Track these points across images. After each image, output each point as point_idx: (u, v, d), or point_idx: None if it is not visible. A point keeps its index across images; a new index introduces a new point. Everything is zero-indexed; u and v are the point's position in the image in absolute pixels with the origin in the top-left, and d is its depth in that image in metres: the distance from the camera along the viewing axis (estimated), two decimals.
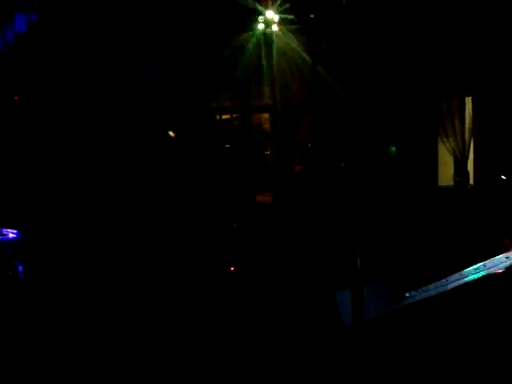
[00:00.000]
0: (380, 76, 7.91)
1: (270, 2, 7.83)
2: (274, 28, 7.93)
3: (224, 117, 10.03)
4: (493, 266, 2.94)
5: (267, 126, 10.84)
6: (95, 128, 9.53)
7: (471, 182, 8.84)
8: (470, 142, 8.96)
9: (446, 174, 8.94)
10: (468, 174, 8.89)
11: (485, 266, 2.97)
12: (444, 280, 3.07)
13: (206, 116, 9.92)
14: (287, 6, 7.78)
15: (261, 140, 10.89)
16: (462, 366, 2.86)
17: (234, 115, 10.02)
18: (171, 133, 9.96)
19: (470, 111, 8.93)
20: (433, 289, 3.11)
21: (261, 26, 7.95)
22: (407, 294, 3.15)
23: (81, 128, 9.63)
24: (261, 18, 7.92)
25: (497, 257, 2.95)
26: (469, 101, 9.02)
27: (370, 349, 2.55)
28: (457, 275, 3.00)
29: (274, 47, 8.31)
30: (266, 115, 10.68)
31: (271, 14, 7.98)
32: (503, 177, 4.54)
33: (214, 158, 10.09)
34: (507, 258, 2.91)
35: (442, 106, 8.99)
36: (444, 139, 8.93)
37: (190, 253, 7.27)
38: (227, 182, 9.93)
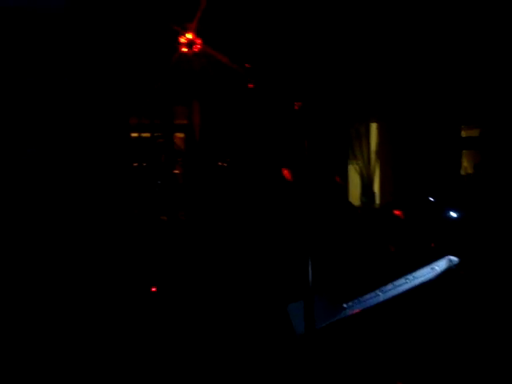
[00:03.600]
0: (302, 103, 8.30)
1: (194, 24, 7.97)
2: (196, 48, 8.06)
3: (144, 135, 9.94)
4: (420, 277, 3.25)
5: (182, 144, 10.89)
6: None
7: (377, 202, 9.50)
8: (375, 165, 9.64)
9: (355, 194, 9.53)
10: (374, 194, 9.55)
11: (413, 276, 3.27)
12: (378, 290, 3.33)
13: (119, 133, 9.76)
14: (212, 27, 7.97)
15: (174, 158, 10.90)
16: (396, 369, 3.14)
17: (154, 134, 9.97)
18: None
19: (376, 136, 9.65)
20: (368, 299, 3.35)
21: (183, 47, 8.03)
22: (345, 305, 3.37)
23: None
24: (182, 39, 8.02)
25: (423, 268, 3.26)
26: (374, 126, 9.75)
27: (320, 354, 2.71)
28: (389, 286, 3.27)
29: (194, 67, 8.45)
30: (182, 135, 10.72)
31: (192, 36, 8.10)
32: (431, 198, 5.01)
33: (119, 176, 9.93)
34: (432, 268, 3.23)
35: (351, 130, 9.63)
36: (353, 162, 9.55)
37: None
38: (132, 201, 9.79)
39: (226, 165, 10.68)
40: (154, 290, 7.05)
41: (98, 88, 9.13)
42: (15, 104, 9.07)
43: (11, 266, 6.70)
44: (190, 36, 8.10)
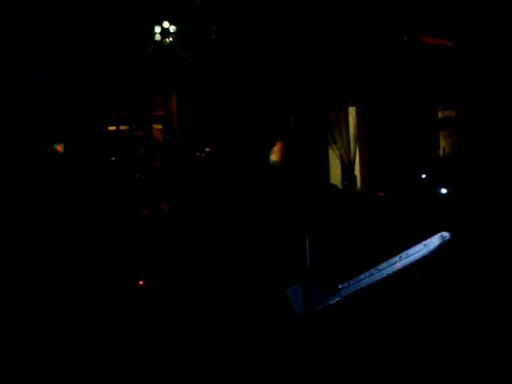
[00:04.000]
0: (275, 88, 8.30)
1: (169, 13, 7.88)
2: (171, 38, 7.98)
3: (122, 127, 9.80)
4: (413, 254, 3.28)
5: (160, 136, 10.79)
6: None
7: (358, 185, 9.58)
8: (355, 149, 9.71)
9: (336, 178, 9.59)
10: (355, 177, 9.62)
11: (407, 253, 3.30)
12: (373, 270, 3.35)
13: (96, 126, 9.61)
14: (188, 17, 7.90)
15: (152, 150, 10.81)
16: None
17: (133, 126, 9.85)
18: (58, 146, 9.48)
19: (355, 120, 9.70)
20: (363, 279, 3.38)
21: (157, 36, 7.95)
22: (340, 286, 3.39)
23: None
24: (157, 28, 7.93)
25: (416, 245, 3.30)
26: (353, 110, 9.80)
27: (320, 335, 2.74)
28: (384, 264, 3.30)
29: (171, 57, 8.36)
30: (159, 126, 10.62)
31: (167, 24, 8.02)
32: (423, 175, 5.06)
33: (96, 171, 9.80)
34: (425, 245, 3.27)
35: (329, 115, 9.66)
36: (333, 146, 9.60)
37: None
38: (108, 195, 9.69)
39: (203, 155, 10.65)
40: (141, 283, 7.01)
41: (75, 81, 8.96)
42: None
43: None
44: (166, 25, 8.02)
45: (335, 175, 9.63)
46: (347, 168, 9.64)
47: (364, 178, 9.43)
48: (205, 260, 5.81)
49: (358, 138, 9.65)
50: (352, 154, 9.68)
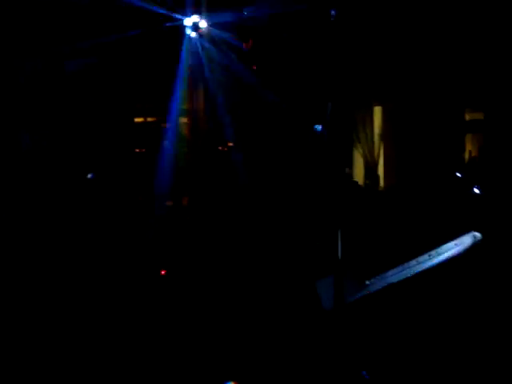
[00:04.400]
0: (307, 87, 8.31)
1: (198, 6, 7.94)
2: (201, 31, 8.04)
3: (149, 119, 9.91)
4: (444, 252, 3.29)
5: (186, 130, 10.85)
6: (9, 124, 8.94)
7: (381, 184, 9.55)
8: (379, 148, 9.68)
9: (359, 177, 9.57)
10: (378, 177, 9.59)
11: (437, 252, 3.31)
12: (401, 267, 3.37)
13: (124, 118, 9.73)
14: (216, 10, 7.94)
15: (178, 143, 10.88)
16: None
17: (159, 118, 9.94)
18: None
19: (380, 119, 9.67)
20: (390, 276, 3.40)
21: (188, 30, 8.02)
22: (367, 282, 3.42)
23: None
24: (186, 21, 7.99)
25: (447, 244, 3.31)
26: (378, 110, 9.76)
27: (349, 329, 2.77)
28: (413, 262, 3.32)
29: (200, 51, 8.43)
30: (185, 119, 10.68)
31: (197, 18, 8.08)
32: (458, 174, 5.04)
33: (123, 162, 9.92)
34: (456, 244, 3.27)
35: (355, 114, 9.64)
36: (357, 145, 9.58)
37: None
38: (130, 186, 9.79)
39: (226, 149, 10.69)
40: (163, 273, 7.10)
41: (103, 73, 9.07)
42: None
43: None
44: (196, 19, 8.07)
45: (358, 174, 9.62)
46: (371, 167, 9.61)
47: (387, 178, 9.39)
48: (230, 251, 5.86)
49: (382, 137, 9.62)
50: (376, 153, 9.66)
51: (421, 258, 3.32)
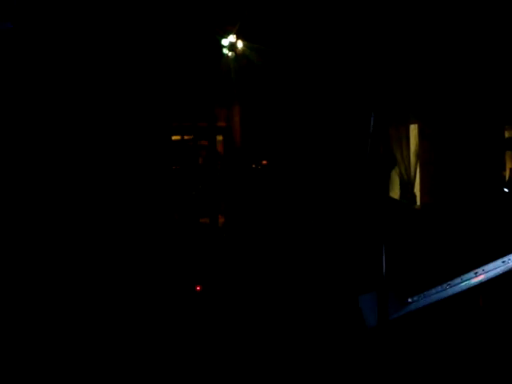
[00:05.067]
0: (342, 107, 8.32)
1: (235, 26, 8.10)
2: (238, 51, 8.17)
3: (186, 137, 10.08)
4: (491, 270, 3.21)
5: (221, 147, 10.98)
6: None
7: (418, 203, 9.41)
8: (416, 167, 9.56)
9: (395, 196, 9.46)
10: (415, 196, 9.46)
11: (483, 270, 3.23)
12: (445, 285, 3.30)
13: (163, 136, 9.90)
14: (253, 31, 8.08)
15: (213, 161, 11.00)
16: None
17: (195, 136, 10.09)
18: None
19: (416, 137, 9.57)
20: (434, 294, 3.33)
21: (225, 50, 8.16)
22: (409, 300, 3.35)
23: None
24: (224, 42, 8.14)
25: (494, 262, 3.22)
26: (414, 128, 9.67)
27: (392, 347, 2.72)
28: (457, 280, 3.25)
29: (235, 70, 8.56)
30: (220, 137, 10.81)
31: (234, 39, 8.22)
32: (505, 189, 4.94)
33: (161, 179, 10.05)
34: (503, 262, 3.19)
35: (391, 132, 9.57)
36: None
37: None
38: (167, 204, 9.89)
39: (260, 168, 10.74)
40: (198, 288, 7.14)
41: (141, 91, 9.27)
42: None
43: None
44: (232, 39, 8.22)
45: (394, 192, 9.51)
46: (407, 185, 9.49)
47: (424, 196, 9.25)
48: (267, 267, 5.85)
49: (418, 155, 9.50)
50: (412, 171, 9.54)
51: (466, 276, 3.24)
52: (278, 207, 8.44)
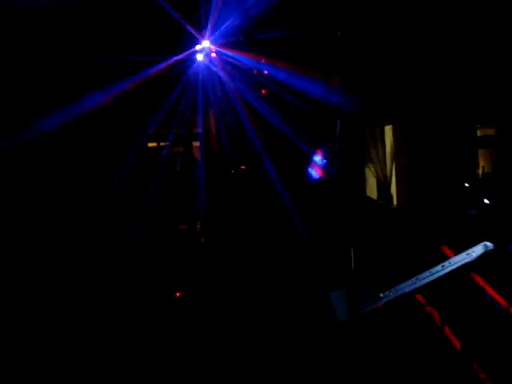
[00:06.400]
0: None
1: (208, 33, 8.12)
2: (212, 56, 8.21)
3: (162, 144, 10.05)
4: (457, 262, 3.28)
5: (197, 154, 10.98)
6: None
7: (394, 203, 9.51)
8: (391, 167, 9.67)
9: (371, 196, 9.56)
10: (391, 196, 9.57)
11: (449, 262, 3.30)
12: (414, 278, 3.36)
13: (139, 144, 9.88)
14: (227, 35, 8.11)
15: (190, 168, 10.99)
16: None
17: (171, 142, 10.08)
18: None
19: (391, 138, 9.69)
20: (403, 288, 3.39)
21: (199, 56, 8.19)
22: (381, 295, 3.41)
23: None
24: (198, 47, 8.17)
25: (459, 254, 3.29)
26: (389, 129, 9.80)
27: (363, 340, 2.76)
28: (426, 273, 3.31)
29: (210, 76, 8.60)
30: (197, 143, 10.81)
31: (208, 44, 8.26)
32: (466, 184, 5.04)
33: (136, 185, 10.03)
34: (468, 254, 3.26)
35: (366, 133, 9.68)
36: (369, 164, 9.59)
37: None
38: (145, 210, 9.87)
39: (239, 176, 10.74)
40: (178, 295, 7.12)
41: (118, 102, 9.23)
42: None
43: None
44: (206, 44, 8.25)
45: (371, 193, 9.61)
46: (383, 186, 9.60)
47: (400, 196, 9.36)
48: (242, 270, 5.87)
49: (394, 156, 9.62)
50: (388, 172, 9.65)
51: (434, 269, 3.30)
52: (255, 210, 8.48)
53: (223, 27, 8.21)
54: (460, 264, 3.26)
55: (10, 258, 7.16)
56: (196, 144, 10.76)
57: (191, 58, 8.62)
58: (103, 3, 8.10)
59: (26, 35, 8.37)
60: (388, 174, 9.65)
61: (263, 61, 8.49)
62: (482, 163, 9.24)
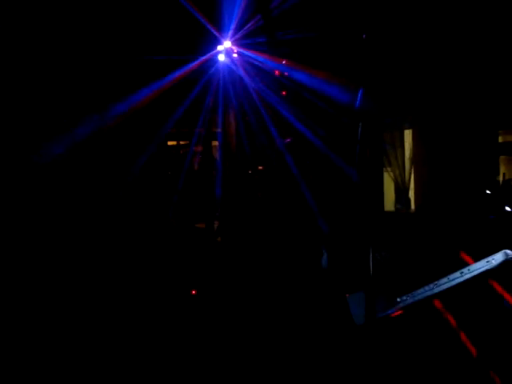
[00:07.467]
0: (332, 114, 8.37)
1: (231, 32, 8.17)
2: (234, 57, 8.26)
3: (181, 143, 10.14)
4: (476, 269, 3.28)
5: (215, 153, 11.03)
6: None
7: (412, 208, 9.46)
8: (410, 172, 9.62)
9: (389, 201, 9.52)
10: (409, 200, 9.52)
11: (468, 269, 3.30)
12: (431, 284, 3.37)
13: (157, 140, 9.96)
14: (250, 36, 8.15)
15: (208, 167, 11.04)
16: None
17: (191, 142, 10.16)
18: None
19: (411, 143, 9.64)
20: (421, 293, 3.40)
21: (221, 56, 8.24)
22: (398, 299, 3.42)
23: None
24: (220, 47, 8.22)
25: (479, 262, 3.29)
26: (409, 133, 9.75)
27: (379, 343, 2.77)
28: (444, 279, 3.31)
29: (232, 75, 8.64)
30: (216, 142, 10.86)
31: (229, 44, 8.30)
32: (488, 191, 5.03)
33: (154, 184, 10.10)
34: (488, 262, 3.25)
35: (385, 137, 9.64)
36: (388, 169, 9.55)
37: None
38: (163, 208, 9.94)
39: (256, 176, 10.75)
40: (194, 292, 7.18)
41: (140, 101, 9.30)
42: None
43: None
44: (228, 44, 8.30)
45: (389, 198, 9.57)
46: (401, 191, 9.56)
47: (418, 201, 9.31)
48: (260, 270, 5.90)
49: (412, 160, 9.57)
50: (407, 177, 9.61)
51: (452, 276, 3.31)
52: (274, 212, 8.50)
53: (245, 28, 8.25)
54: (479, 271, 3.26)
55: (35, 250, 7.28)
56: (215, 143, 10.81)
57: (213, 59, 8.68)
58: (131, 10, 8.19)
59: (54, 37, 8.52)
60: (406, 179, 9.60)
61: (285, 62, 8.53)
62: (502, 170, 9.14)
